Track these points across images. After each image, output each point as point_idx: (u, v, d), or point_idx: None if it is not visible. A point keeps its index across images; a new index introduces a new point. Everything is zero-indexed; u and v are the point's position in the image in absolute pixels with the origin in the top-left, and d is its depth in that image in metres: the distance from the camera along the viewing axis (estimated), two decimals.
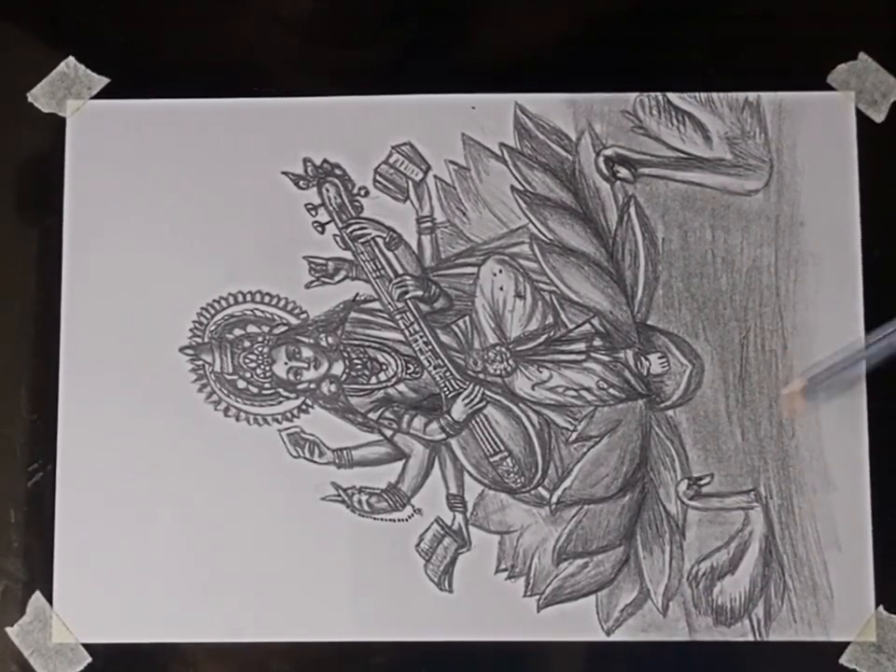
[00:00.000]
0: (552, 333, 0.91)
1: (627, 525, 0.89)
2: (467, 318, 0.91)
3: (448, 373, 0.91)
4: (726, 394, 0.90)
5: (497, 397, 0.90)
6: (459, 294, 0.91)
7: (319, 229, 0.92)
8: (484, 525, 0.90)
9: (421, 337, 0.91)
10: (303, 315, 0.91)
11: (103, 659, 0.89)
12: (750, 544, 0.89)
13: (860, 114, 0.92)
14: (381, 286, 0.91)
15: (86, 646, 0.89)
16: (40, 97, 0.93)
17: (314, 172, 0.92)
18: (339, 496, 0.89)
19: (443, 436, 0.90)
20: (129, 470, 0.90)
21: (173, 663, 0.89)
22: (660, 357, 0.90)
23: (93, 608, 0.89)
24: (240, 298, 0.91)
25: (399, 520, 0.89)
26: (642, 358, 0.90)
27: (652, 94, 0.92)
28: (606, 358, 0.90)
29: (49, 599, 0.89)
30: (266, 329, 0.91)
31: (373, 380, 0.91)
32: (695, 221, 0.91)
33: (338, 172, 0.92)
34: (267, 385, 0.91)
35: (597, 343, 0.91)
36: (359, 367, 0.91)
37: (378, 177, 0.92)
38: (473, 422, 0.90)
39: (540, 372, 0.90)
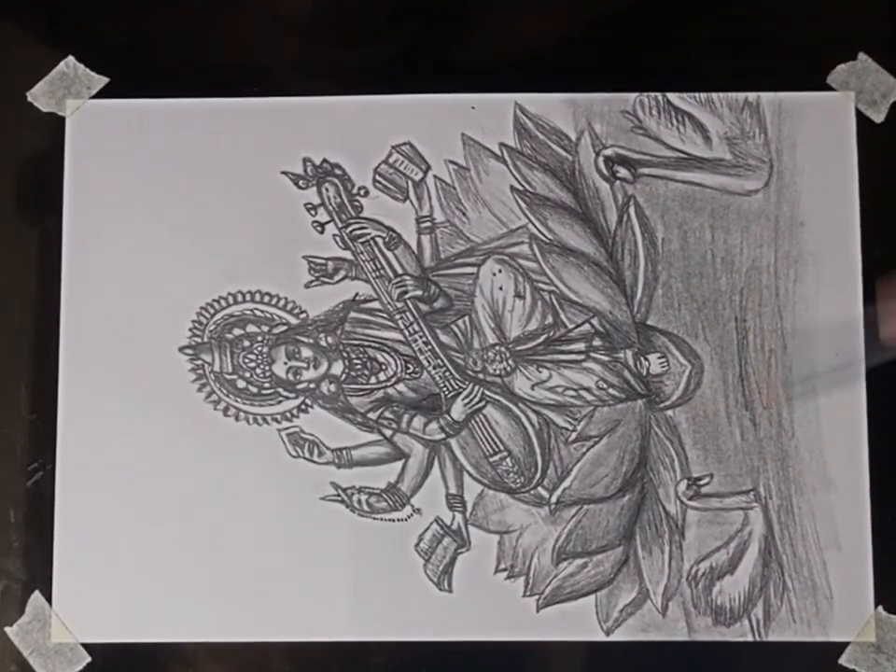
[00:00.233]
0: (551, 333, 0.91)
1: (627, 525, 0.89)
2: (466, 318, 0.91)
3: (447, 373, 0.91)
4: (726, 394, 0.90)
5: (497, 397, 0.90)
6: (459, 294, 0.91)
7: (319, 228, 0.92)
8: (484, 525, 0.90)
9: (420, 337, 0.91)
10: (303, 315, 0.91)
11: (102, 659, 0.89)
12: (750, 544, 0.89)
13: (859, 114, 0.92)
14: (380, 285, 0.91)
15: (85, 646, 0.89)
16: (40, 97, 0.93)
17: (313, 171, 0.92)
18: (338, 495, 0.89)
19: (443, 436, 0.90)
20: (129, 470, 0.90)
21: (172, 663, 0.89)
22: (659, 357, 0.90)
23: (93, 607, 0.89)
24: (239, 297, 0.91)
25: (398, 520, 0.89)
26: (642, 358, 0.90)
27: (652, 94, 0.92)
28: (605, 358, 0.90)
29: (49, 599, 0.89)
30: (266, 328, 0.91)
31: (373, 380, 0.91)
32: (695, 221, 0.91)
33: (338, 171, 0.92)
34: (266, 385, 0.91)
35: (597, 342, 0.91)
36: (359, 367, 0.91)
37: (378, 177, 0.92)
38: (473, 422, 0.90)
39: (540, 372, 0.90)
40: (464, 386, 0.90)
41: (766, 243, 0.91)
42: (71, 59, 0.93)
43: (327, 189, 0.92)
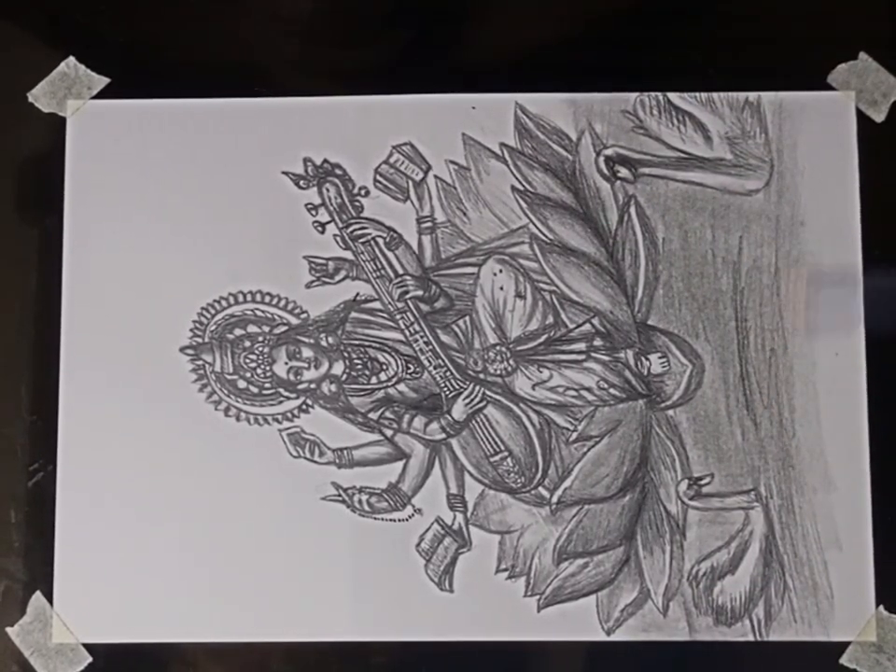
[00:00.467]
0: (552, 333, 0.91)
1: (627, 524, 0.89)
2: (467, 318, 0.91)
3: (448, 373, 0.91)
4: (726, 394, 0.90)
5: (498, 397, 0.90)
6: (459, 294, 0.91)
7: (319, 228, 0.92)
8: (485, 525, 0.90)
9: (421, 337, 0.91)
10: (304, 315, 0.91)
11: (103, 659, 0.89)
12: (751, 544, 0.89)
13: (860, 114, 0.92)
14: (381, 285, 0.91)
15: (86, 646, 0.89)
16: (40, 97, 0.93)
17: (314, 172, 0.92)
18: (339, 495, 0.89)
19: (444, 436, 0.90)
20: (129, 470, 0.90)
21: (173, 663, 0.89)
22: (660, 357, 0.90)
23: (94, 608, 0.89)
24: (240, 297, 0.91)
25: (399, 520, 0.89)
26: (642, 358, 0.90)
27: (653, 94, 0.92)
28: (606, 358, 0.90)
29: (50, 599, 0.89)
30: (266, 328, 0.91)
31: (374, 380, 0.91)
32: (696, 221, 0.91)
33: (338, 172, 0.92)
34: (267, 385, 0.91)
35: (598, 342, 0.91)
36: (360, 367, 0.91)
37: (378, 177, 0.92)
38: (474, 422, 0.90)
39: (541, 372, 0.90)
40: (465, 386, 0.90)
41: (767, 242, 0.91)
42: (72, 59, 0.93)
43: (327, 190, 0.92)
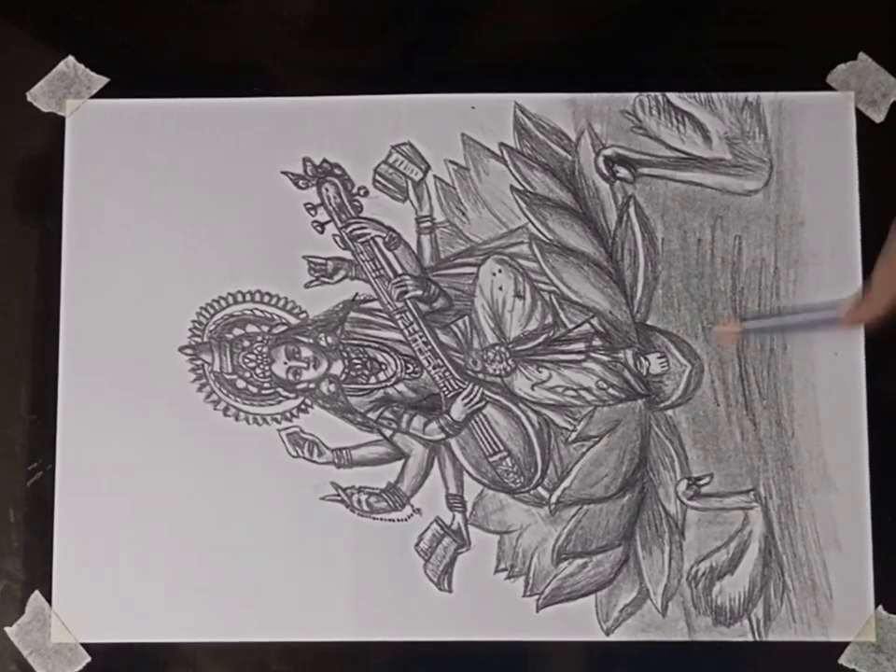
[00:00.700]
0: (551, 333, 0.91)
1: (627, 524, 0.89)
2: (466, 318, 0.91)
3: (447, 373, 0.91)
4: (726, 394, 0.90)
5: (497, 397, 0.90)
6: (459, 294, 0.91)
7: (319, 228, 0.92)
8: (484, 525, 0.90)
9: (420, 337, 0.91)
10: (303, 315, 0.91)
11: (102, 659, 0.89)
12: (750, 544, 0.89)
13: (859, 114, 0.92)
14: (380, 285, 0.91)
15: (85, 646, 0.89)
16: (40, 97, 0.93)
17: (313, 171, 0.92)
18: (338, 495, 0.89)
19: (443, 436, 0.90)
20: (129, 470, 0.90)
21: (172, 663, 0.89)
22: (659, 357, 0.90)
23: (93, 607, 0.89)
24: (239, 297, 0.91)
25: (398, 520, 0.89)
26: (641, 358, 0.90)
27: (652, 94, 0.92)
28: (605, 358, 0.90)
29: (49, 599, 0.89)
30: (265, 328, 0.91)
31: (373, 380, 0.91)
32: (695, 221, 0.91)
33: (337, 171, 0.92)
34: (266, 385, 0.91)
35: (597, 342, 0.90)
36: (359, 366, 0.91)
37: (378, 177, 0.92)
38: (473, 422, 0.90)
39: (540, 372, 0.90)
40: (464, 386, 0.90)
41: (766, 243, 0.91)
42: (71, 59, 0.93)
43: (327, 189, 0.92)
